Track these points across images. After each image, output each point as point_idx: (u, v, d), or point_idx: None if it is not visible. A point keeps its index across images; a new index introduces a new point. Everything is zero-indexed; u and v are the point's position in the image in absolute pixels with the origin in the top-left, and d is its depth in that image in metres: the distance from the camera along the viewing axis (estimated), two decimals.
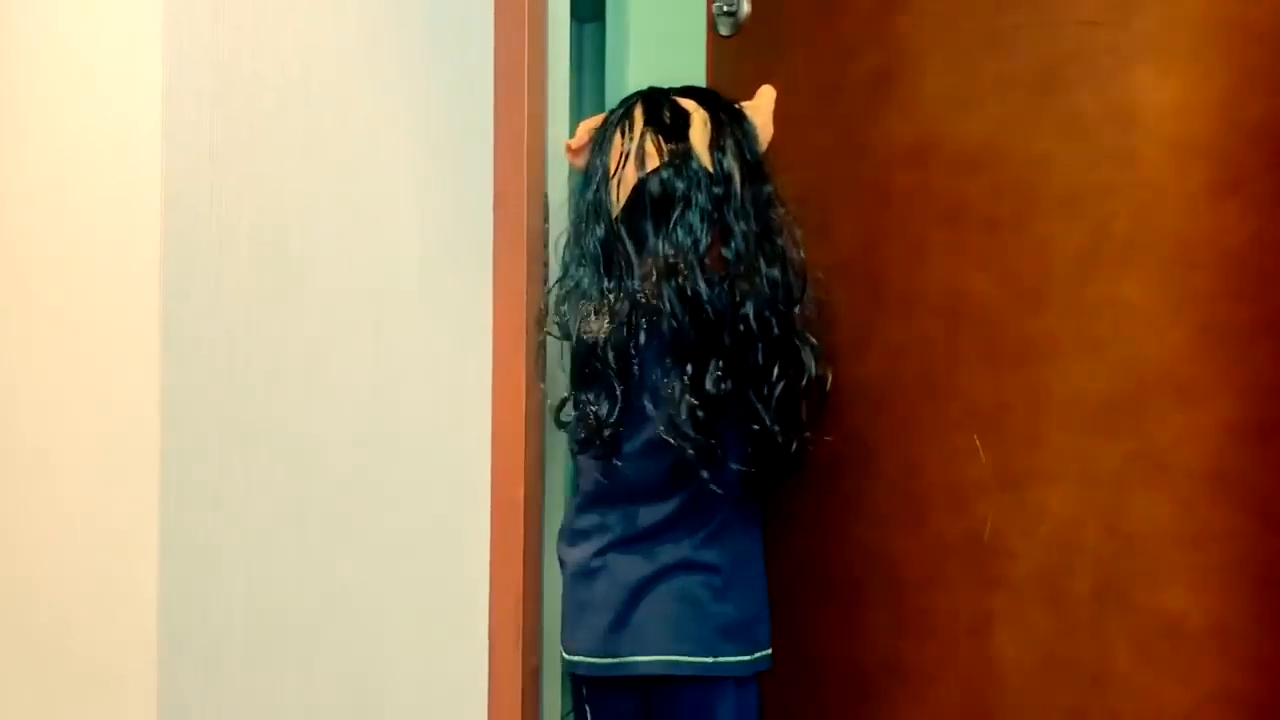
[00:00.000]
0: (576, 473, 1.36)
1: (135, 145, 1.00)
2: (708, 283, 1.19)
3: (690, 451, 1.19)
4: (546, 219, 1.35)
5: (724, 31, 1.47)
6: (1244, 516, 1.04)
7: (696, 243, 1.20)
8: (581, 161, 1.32)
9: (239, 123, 1.04)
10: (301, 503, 1.10)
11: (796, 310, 1.24)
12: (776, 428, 1.22)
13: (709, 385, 1.19)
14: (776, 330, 1.21)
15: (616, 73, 1.58)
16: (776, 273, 1.22)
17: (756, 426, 1.22)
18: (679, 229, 1.21)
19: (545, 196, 1.35)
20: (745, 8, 1.45)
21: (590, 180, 1.28)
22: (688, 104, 1.27)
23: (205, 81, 1.01)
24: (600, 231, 1.25)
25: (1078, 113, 1.12)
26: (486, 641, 1.28)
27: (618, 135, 1.26)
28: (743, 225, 1.22)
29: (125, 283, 1.01)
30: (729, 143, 1.25)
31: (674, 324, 1.19)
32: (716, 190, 1.22)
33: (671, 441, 1.20)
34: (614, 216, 1.24)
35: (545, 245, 1.34)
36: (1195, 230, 1.06)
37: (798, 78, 1.37)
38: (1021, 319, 1.15)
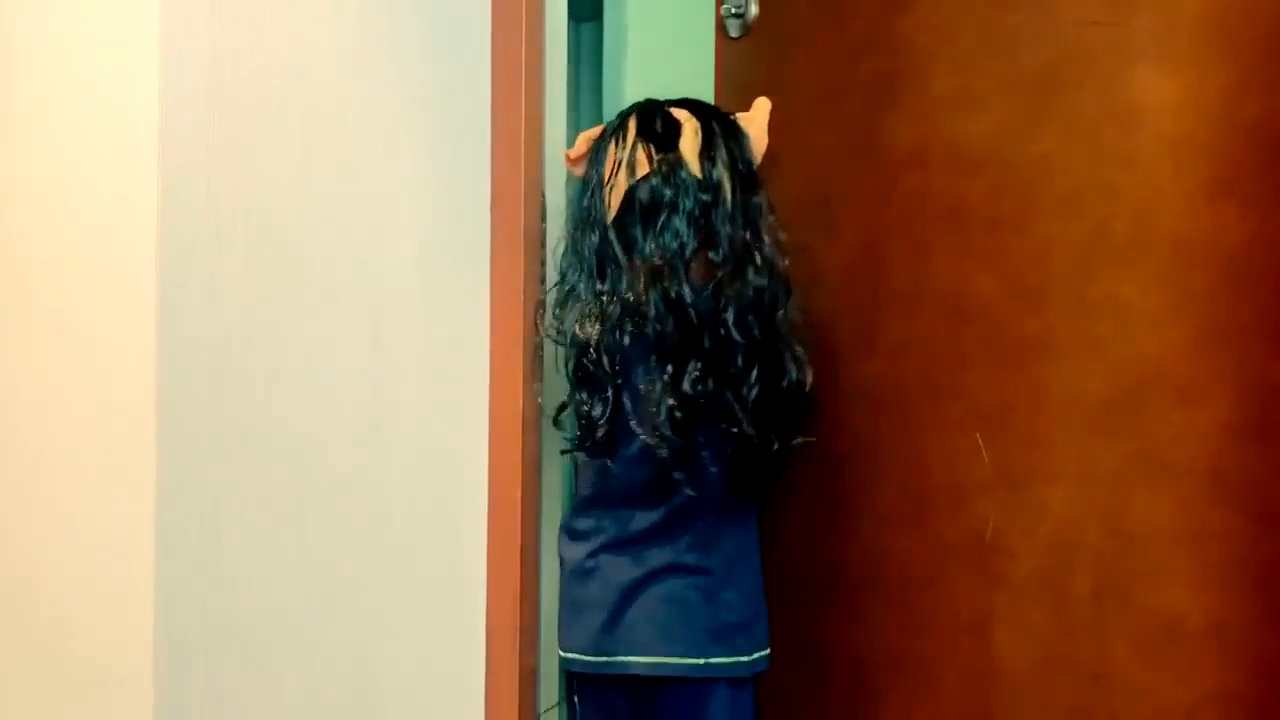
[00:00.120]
0: (576, 474, 1.39)
1: (132, 144, 0.99)
2: (692, 287, 1.23)
3: (665, 451, 1.22)
4: (544, 219, 1.35)
5: (733, 33, 1.49)
6: (1244, 516, 1.04)
7: (683, 247, 1.23)
8: (580, 171, 1.36)
9: (236, 122, 1.04)
10: (299, 503, 1.10)
11: (781, 315, 1.26)
12: (752, 431, 1.24)
13: (686, 386, 1.22)
14: (758, 335, 1.23)
15: (614, 72, 1.58)
16: (762, 280, 1.24)
17: (734, 430, 1.24)
18: (665, 233, 1.24)
19: (543, 196, 1.35)
20: (753, 9, 1.46)
21: (586, 188, 1.32)
22: (680, 114, 1.30)
23: (202, 80, 1.01)
24: (595, 238, 1.28)
25: (1078, 113, 1.12)
26: (484, 640, 1.28)
27: (611, 145, 1.30)
28: (729, 231, 1.25)
29: (122, 282, 1.01)
30: (720, 151, 1.28)
31: (658, 326, 1.22)
32: (704, 197, 1.25)
33: (649, 442, 1.22)
34: (607, 223, 1.28)
35: (543, 245, 1.34)
36: (1195, 230, 1.07)
37: (804, 79, 1.39)
38: (1023, 319, 1.16)
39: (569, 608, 1.34)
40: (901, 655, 1.26)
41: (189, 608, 1.00)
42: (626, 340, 1.23)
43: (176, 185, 0.99)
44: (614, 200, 1.27)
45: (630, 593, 1.28)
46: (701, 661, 1.27)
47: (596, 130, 1.36)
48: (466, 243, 1.27)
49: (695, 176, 1.25)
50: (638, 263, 1.25)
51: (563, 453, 1.37)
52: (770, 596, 1.33)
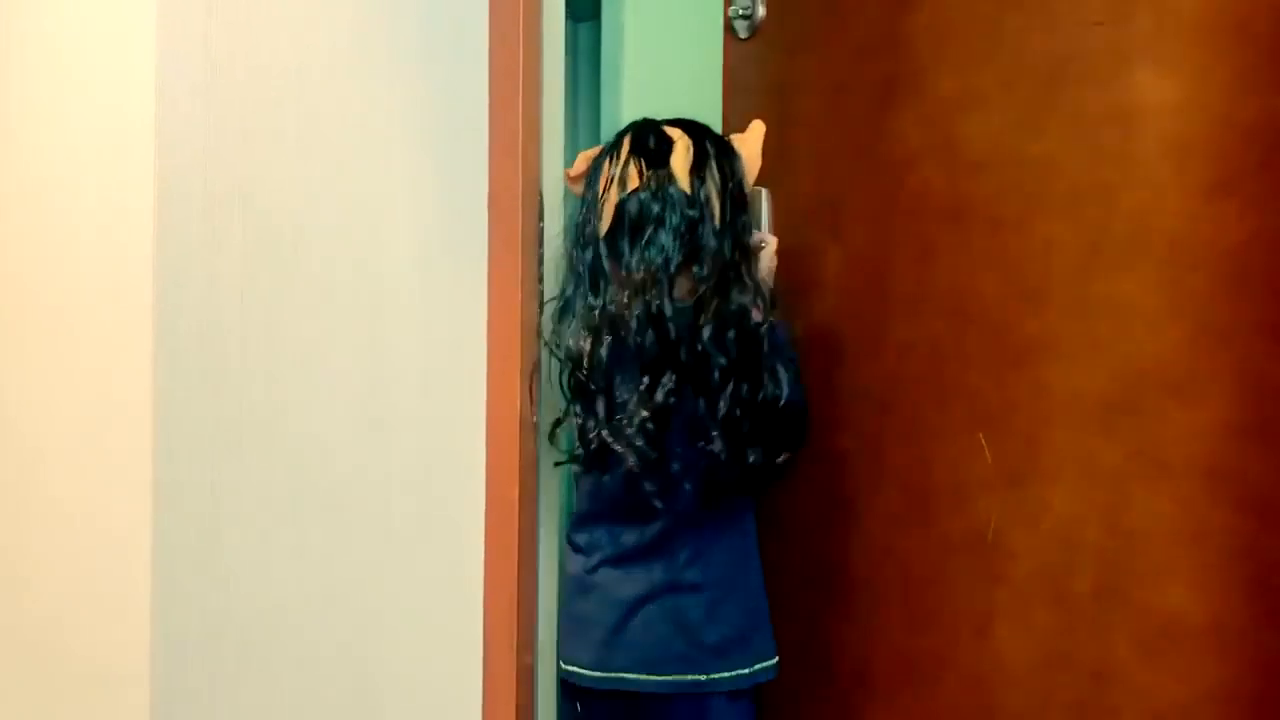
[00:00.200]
0: (576, 487, 1.41)
1: (129, 144, 0.99)
2: (674, 301, 1.24)
3: (634, 460, 1.23)
4: (541, 218, 1.35)
5: (741, 34, 1.49)
6: (1243, 514, 1.04)
7: (667, 261, 1.25)
8: (579, 188, 1.37)
9: (233, 122, 1.03)
10: (296, 503, 1.09)
11: (763, 333, 1.26)
12: (721, 446, 1.24)
13: (659, 396, 1.23)
14: (735, 353, 1.24)
15: (612, 71, 1.58)
16: (746, 298, 1.25)
17: (706, 445, 1.25)
18: (651, 248, 1.25)
19: (540, 195, 1.34)
20: (761, 11, 1.47)
21: (583, 205, 1.34)
22: (674, 132, 1.32)
23: (199, 80, 1.00)
24: (589, 253, 1.30)
25: (1080, 113, 1.12)
26: (481, 641, 1.27)
27: (606, 162, 1.32)
28: (714, 247, 1.25)
29: (119, 281, 1.00)
30: (711, 169, 1.29)
31: (638, 339, 1.23)
32: (691, 213, 1.26)
33: (617, 450, 1.23)
34: (599, 236, 1.29)
35: (541, 244, 1.34)
36: (1194, 230, 1.07)
37: (811, 80, 1.40)
38: (1024, 319, 1.16)
39: (570, 620, 1.35)
40: (903, 653, 1.26)
41: (187, 607, 1.00)
42: (609, 352, 1.25)
43: (173, 186, 0.98)
44: (606, 214, 1.29)
45: (631, 609, 1.29)
46: (704, 678, 1.28)
47: (596, 150, 1.37)
48: (464, 242, 1.27)
49: (684, 192, 1.26)
50: (624, 275, 1.26)
51: (556, 464, 1.37)
52: (773, 596, 1.34)
